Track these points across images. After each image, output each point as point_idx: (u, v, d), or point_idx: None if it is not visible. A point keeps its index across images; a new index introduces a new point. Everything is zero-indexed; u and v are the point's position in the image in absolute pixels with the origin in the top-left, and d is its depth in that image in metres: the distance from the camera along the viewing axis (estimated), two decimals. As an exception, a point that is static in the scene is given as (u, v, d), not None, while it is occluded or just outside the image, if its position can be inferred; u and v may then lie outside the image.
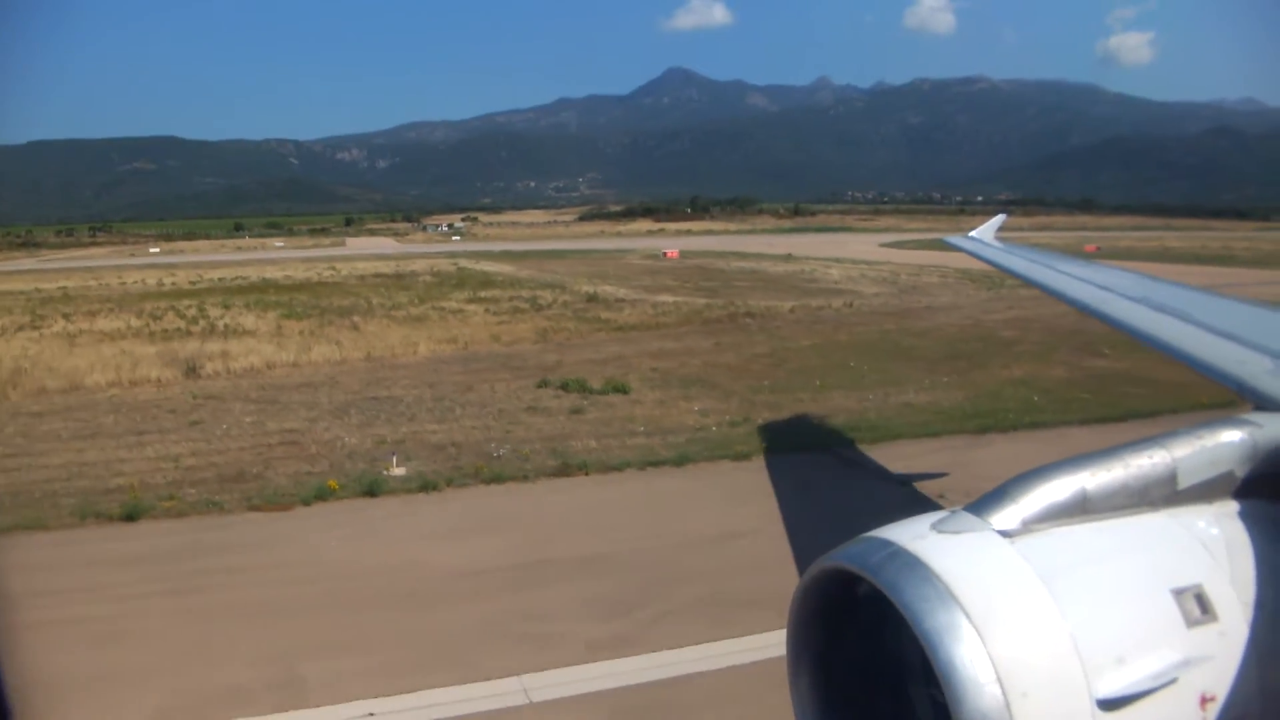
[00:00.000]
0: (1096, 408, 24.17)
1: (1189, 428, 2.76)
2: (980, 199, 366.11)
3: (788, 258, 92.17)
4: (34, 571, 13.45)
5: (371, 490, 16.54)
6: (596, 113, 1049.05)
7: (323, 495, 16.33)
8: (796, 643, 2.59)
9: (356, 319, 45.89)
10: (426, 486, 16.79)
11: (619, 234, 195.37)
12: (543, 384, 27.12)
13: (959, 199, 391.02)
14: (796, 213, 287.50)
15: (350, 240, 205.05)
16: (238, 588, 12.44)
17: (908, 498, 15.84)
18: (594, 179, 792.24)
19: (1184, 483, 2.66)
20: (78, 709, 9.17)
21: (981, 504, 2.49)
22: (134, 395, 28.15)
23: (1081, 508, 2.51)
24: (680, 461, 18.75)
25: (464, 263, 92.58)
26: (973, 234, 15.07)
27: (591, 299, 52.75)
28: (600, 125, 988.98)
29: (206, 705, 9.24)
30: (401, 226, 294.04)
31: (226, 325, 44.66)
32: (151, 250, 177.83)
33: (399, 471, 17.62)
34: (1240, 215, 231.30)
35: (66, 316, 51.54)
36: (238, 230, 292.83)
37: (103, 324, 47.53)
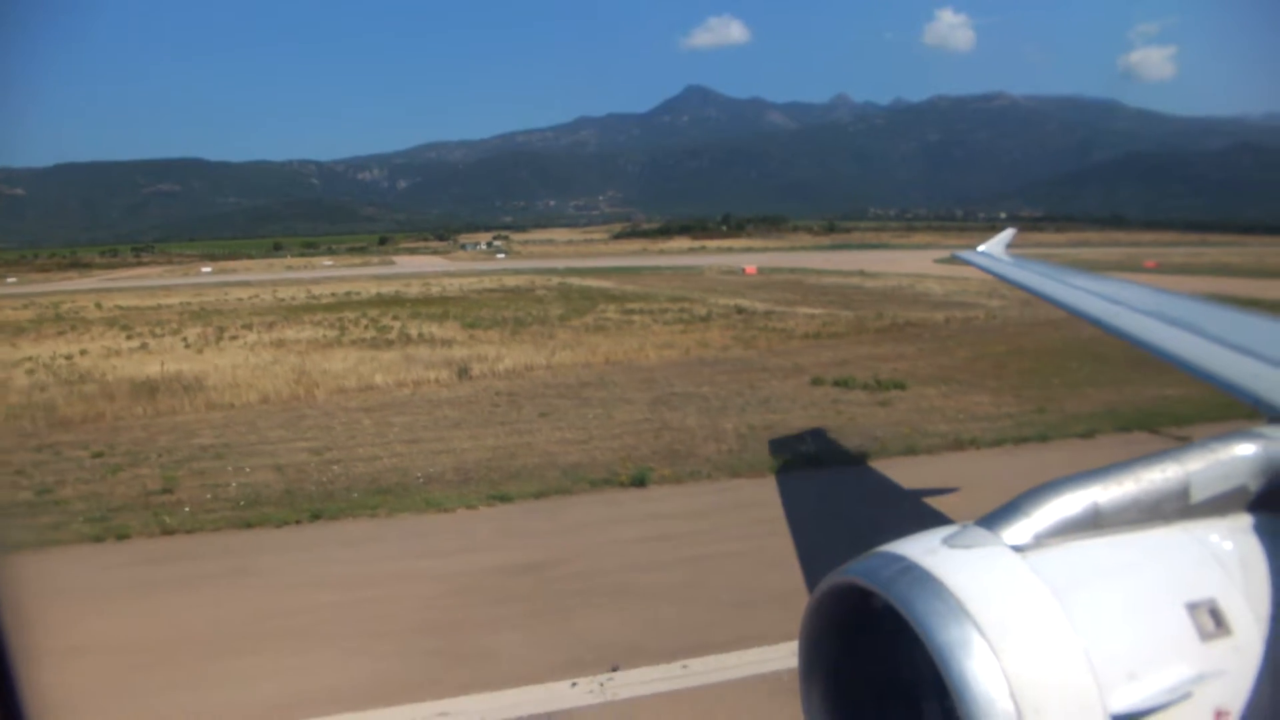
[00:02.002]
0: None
1: (1202, 441, 2.82)
2: (1003, 215, 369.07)
3: (862, 274, 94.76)
4: (628, 523, 16.14)
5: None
6: (616, 131, 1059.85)
7: (786, 467, 19.20)
8: (809, 657, 2.64)
9: (536, 328, 48.85)
10: (866, 457, 19.72)
11: (661, 251, 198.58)
12: (816, 382, 29.73)
13: (981, 215, 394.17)
14: (831, 230, 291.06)
15: (396, 258, 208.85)
16: (824, 531, 15.29)
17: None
18: (614, 197, 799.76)
19: (1197, 496, 2.67)
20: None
21: (993, 518, 2.54)
22: (434, 393, 30.75)
23: (1094, 522, 2.54)
24: (1043, 439, 21.53)
25: (556, 279, 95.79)
26: (982, 248, 15.36)
27: (740, 311, 55.69)
28: (620, 143, 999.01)
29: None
30: (438, 245, 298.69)
31: (420, 334, 47.66)
32: (203, 270, 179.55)
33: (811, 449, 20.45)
34: (1271, 230, 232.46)
35: (248, 328, 54.66)
36: (277, 250, 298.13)
37: (290, 334, 50.38)
